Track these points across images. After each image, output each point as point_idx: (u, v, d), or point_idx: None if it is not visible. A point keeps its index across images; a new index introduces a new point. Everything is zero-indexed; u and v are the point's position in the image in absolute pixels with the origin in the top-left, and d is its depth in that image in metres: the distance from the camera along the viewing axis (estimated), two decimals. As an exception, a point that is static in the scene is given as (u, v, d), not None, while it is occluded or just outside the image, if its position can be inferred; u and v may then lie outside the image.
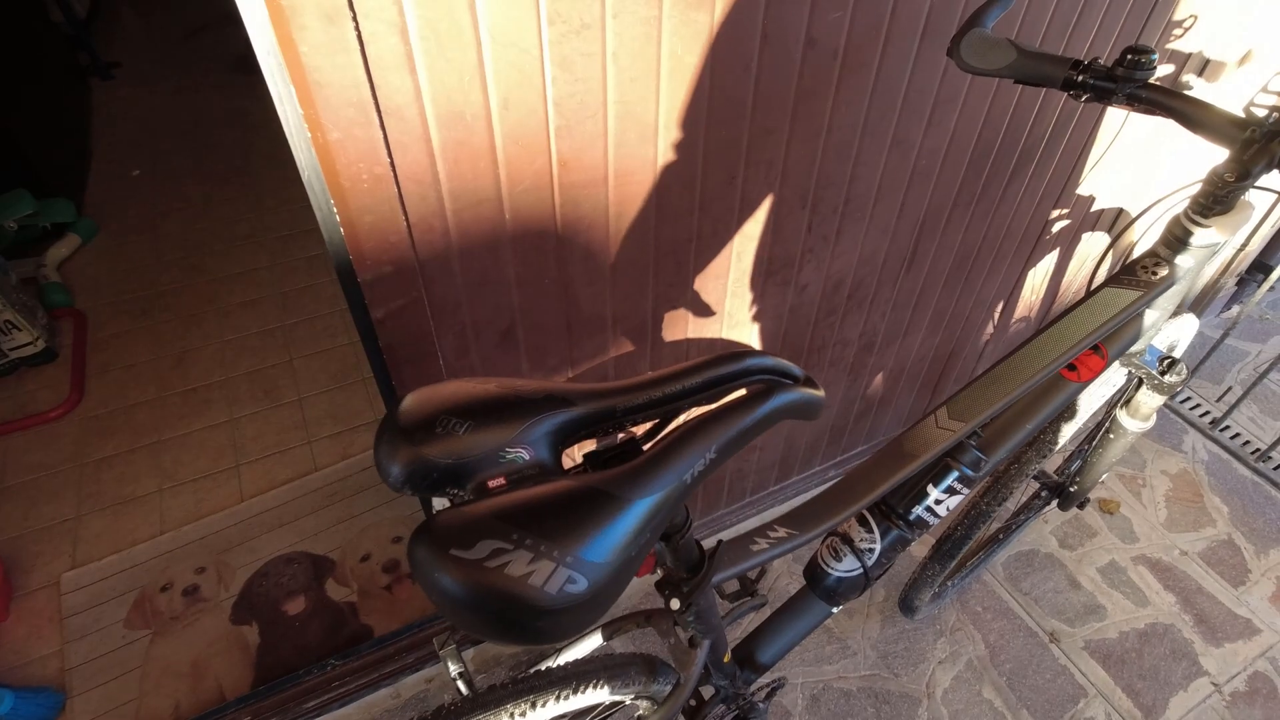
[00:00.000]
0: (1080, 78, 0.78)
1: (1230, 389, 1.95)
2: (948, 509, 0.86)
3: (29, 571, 1.51)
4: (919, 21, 0.94)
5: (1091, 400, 1.01)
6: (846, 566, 0.90)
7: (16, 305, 1.89)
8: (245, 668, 1.35)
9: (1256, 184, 0.72)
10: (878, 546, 0.88)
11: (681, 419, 0.45)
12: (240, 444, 1.76)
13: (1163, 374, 0.92)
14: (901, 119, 1.04)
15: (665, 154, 0.88)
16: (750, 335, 1.20)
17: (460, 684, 0.72)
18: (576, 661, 0.71)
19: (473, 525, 0.34)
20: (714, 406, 0.44)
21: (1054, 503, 1.31)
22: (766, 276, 1.13)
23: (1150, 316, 0.85)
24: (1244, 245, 1.70)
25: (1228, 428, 1.87)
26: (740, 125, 0.91)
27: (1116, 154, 1.38)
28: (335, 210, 0.73)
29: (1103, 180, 1.42)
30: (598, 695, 0.71)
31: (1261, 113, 0.72)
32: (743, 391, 0.45)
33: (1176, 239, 0.77)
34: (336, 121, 0.68)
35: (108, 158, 2.80)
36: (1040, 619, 1.50)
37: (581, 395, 0.43)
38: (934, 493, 0.85)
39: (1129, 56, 0.75)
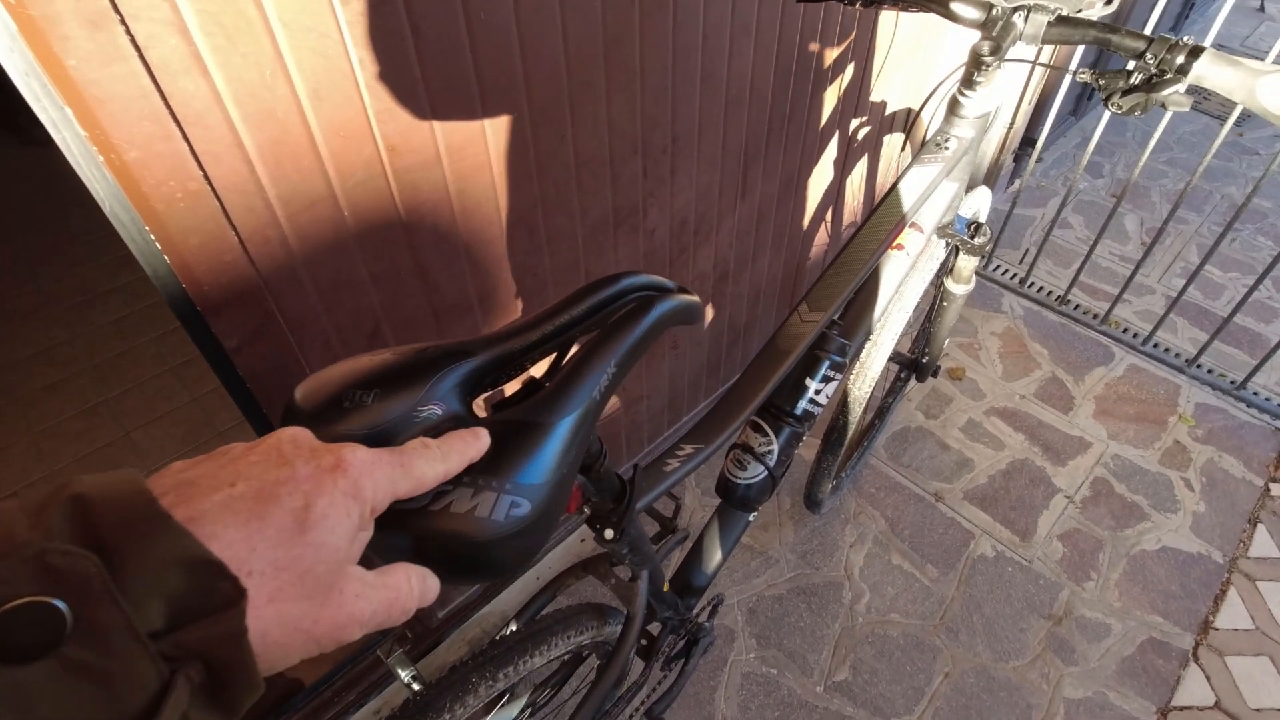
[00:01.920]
0: None
1: (1027, 250, 2.24)
2: (827, 397, 0.94)
3: None
4: None
5: (923, 276, 1.13)
6: (752, 473, 0.96)
7: None
8: None
9: (1008, 56, 0.84)
10: (775, 447, 0.95)
11: (575, 348, 0.47)
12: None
13: (972, 238, 1.05)
14: (705, 53, 1.09)
15: (493, 124, 0.88)
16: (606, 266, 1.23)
17: (415, 685, 0.71)
18: (528, 624, 0.72)
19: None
20: (605, 329, 0.46)
21: (912, 378, 1.46)
22: (615, 227, 1.16)
23: (950, 188, 0.97)
24: (1011, 124, 1.95)
25: (1033, 284, 2.15)
26: (558, 83, 0.92)
27: (896, 57, 1.53)
28: (153, 237, 0.67)
29: (890, 84, 1.57)
30: (556, 650, 0.72)
31: (1000, -7, 0.83)
32: (627, 310, 0.47)
33: (956, 115, 0.88)
34: (131, 139, 0.62)
35: None
36: (924, 484, 1.67)
37: (478, 344, 0.44)
38: (812, 384, 0.92)
39: (886, -41, 0.83)
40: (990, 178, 2.09)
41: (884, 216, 0.85)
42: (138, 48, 0.59)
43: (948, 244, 1.11)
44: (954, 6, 0.84)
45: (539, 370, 0.50)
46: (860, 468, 1.68)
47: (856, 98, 1.50)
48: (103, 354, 2.00)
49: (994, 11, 0.81)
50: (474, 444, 0.37)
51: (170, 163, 0.65)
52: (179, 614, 0.23)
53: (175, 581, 0.23)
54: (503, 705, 0.77)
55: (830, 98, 1.43)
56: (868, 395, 1.18)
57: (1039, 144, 1.94)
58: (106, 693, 0.21)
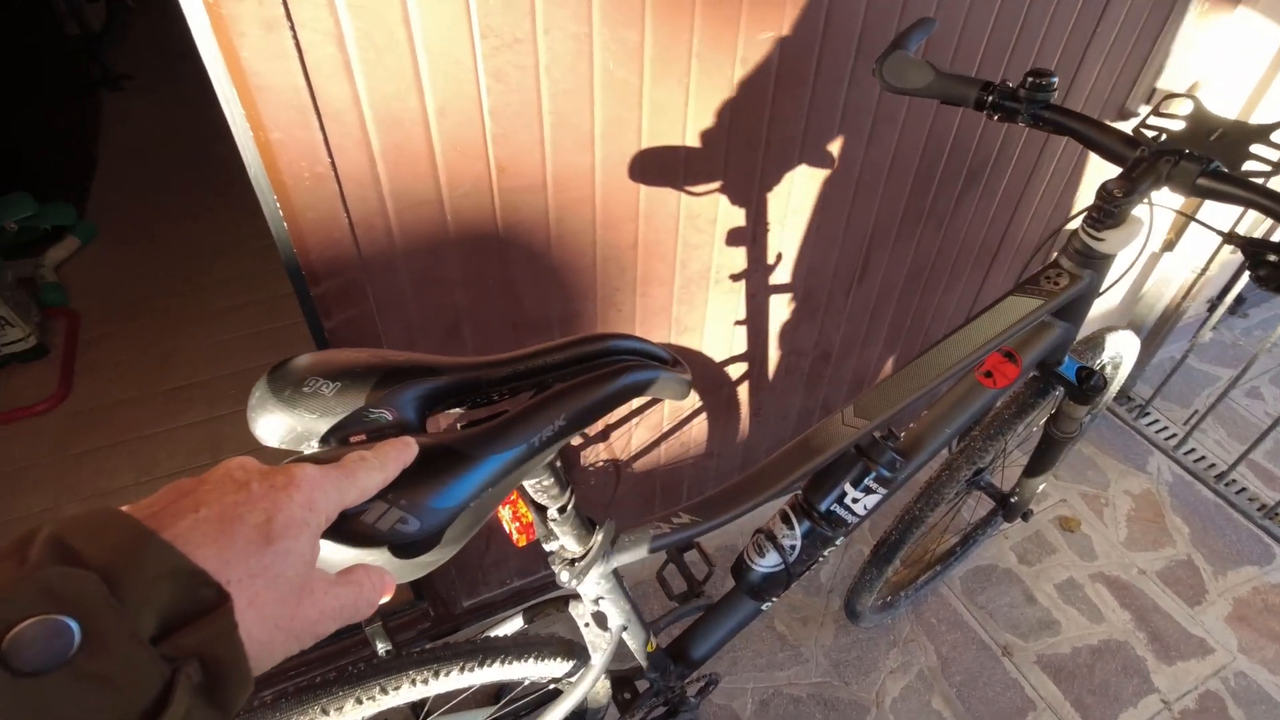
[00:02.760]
0: (989, 98, 0.82)
1: (1196, 411, 1.97)
2: (865, 508, 0.89)
3: (5, 559, 1.55)
4: (851, 43, 0.99)
5: (1021, 412, 1.04)
6: (769, 562, 0.92)
7: (11, 302, 1.95)
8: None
9: (1147, 200, 0.76)
10: (798, 542, 0.91)
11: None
12: (217, 442, 1.80)
13: (1081, 384, 0.95)
14: (841, 135, 1.08)
15: (603, 163, 0.93)
16: (699, 340, 1.24)
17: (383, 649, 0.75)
18: (487, 638, 0.74)
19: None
20: (571, 382, 0.48)
21: (1001, 515, 1.34)
22: (713, 285, 1.17)
23: (1061, 327, 0.89)
24: (1204, 269, 1.73)
25: (1192, 450, 1.89)
26: (677, 136, 0.95)
27: (1067, 173, 1.42)
28: (279, 206, 0.78)
29: (1057, 197, 1.46)
30: (508, 671, 0.74)
31: (1150, 134, 0.76)
32: (600, 371, 0.49)
33: (1075, 251, 0.81)
34: (277, 122, 0.73)
35: (111, 165, 2.89)
36: (994, 632, 1.51)
37: (449, 366, 0.47)
38: (850, 490, 0.88)
39: (1030, 79, 0.79)
40: (1165, 324, 1.87)
41: (963, 339, 0.80)
42: (299, 50, 0.70)
43: (1052, 385, 1.01)
44: (1098, 137, 0.78)
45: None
46: (926, 592, 1.55)
47: (1015, 206, 1.41)
48: (280, 289, 2.28)
49: (1139, 152, 0.75)
50: (405, 451, 0.40)
51: (305, 147, 0.75)
52: (172, 620, 0.26)
53: (165, 592, 0.26)
54: None
55: (981, 200, 1.35)
56: (930, 520, 1.10)
57: (1223, 305, 1.71)
58: (116, 695, 0.23)
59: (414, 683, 0.66)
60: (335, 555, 0.36)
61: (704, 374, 1.30)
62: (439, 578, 1.32)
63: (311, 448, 0.43)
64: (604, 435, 1.29)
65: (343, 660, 1.32)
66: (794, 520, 0.91)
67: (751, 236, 1.14)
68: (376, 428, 0.44)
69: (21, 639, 0.22)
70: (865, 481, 0.88)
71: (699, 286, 1.16)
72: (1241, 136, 0.71)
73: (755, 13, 0.89)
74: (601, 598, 0.75)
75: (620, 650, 0.92)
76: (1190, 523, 1.73)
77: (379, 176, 0.81)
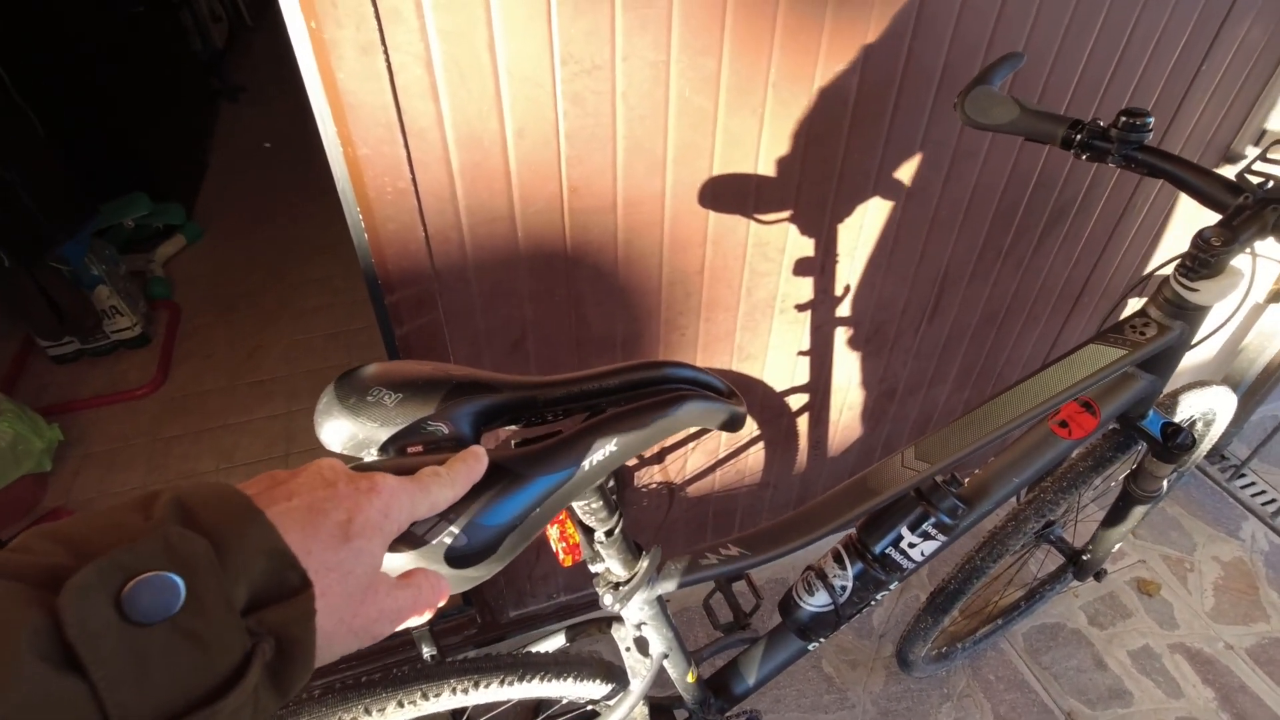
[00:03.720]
0: (1077, 136, 0.79)
1: (1302, 478, 1.81)
2: (922, 554, 0.86)
3: (96, 530, 1.66)
4: (933, 78, 0.97)
5: (1097, 466, 0.98)
6: (819, 601, 0.90)
7: (122, 294, 2.11)
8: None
9: (1250, 249, 0.72)
10: (850, 584, 0.88)
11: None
12: (293, 434, 1.89)
13: (1167, 441, 0.89)
14: (918, 169, 1.06)
15: (674, 188, 0.94)
16: (762, 369, 1.23)
17: (429, 654, 0.77)
18: (529, 653, 0.75)
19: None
20: (625, 407, 0.48)
21: (1072, 572, 1.26)
22: (778, 313, 1.16)
23: (1146, 379, 0.84)
24: (1318, 325, 1.60)
25: (1296, 519, 1.74)
26: (749, 164, 0.96)
27: (1160, 217, 1.35)
28: (361, 217, 0.82)
29: (1148, 242, 1.39)
30: (546, 688, 0.74)
31: (1256, 180, 0.72)
32: (655, 398, 0.49)
33: (1166, 300, 0.76)
34: (366, 139, 0.77)
35: (221, 169, 3.10)
36: (1058, 696, 1.42)
37: (506, 384, 0.48)
38: (907, 535, 0.85)
39: (1124, 119, 0.76)
40: (1266, 380, 1.73)
41: (1035, 386, 0.76)
42: (390, 73, 0.73)
43: (1134, 440, 0.95)
44: (1197, 182, 0.74)
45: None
46: (985, 646, 1.47)
47: (1101, 250, 1.35)
48: (362, 294, 2.39)
49: (1244, 198, 0.70)
50: (476, 466, 0.41)
51: (389, 163, 0.79)
52: (260, 596, 0.27)
53: (260, 568, 0.27)
54: None
55: (1065, 242, 1.30)
56: (993, 571, 1.05)
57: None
58: (205, 656, 0.24)
59: (454, 691, 0.67)
60: (388, 562, 0.38)
61: (763, 402, 1.28)
62: (488, 586, 1.34)
63: (371, 455, 0.45)
64: (659, 458, 1.29)
65: (388, 660, 1.35)
66: (846, 560, 0.89)
67: (820, 267, 1.12)
68: (433, 440, 0.45)
69: (138, 590, 0.23)
70: (923, 527, 0.85)
71: (764, 314, 1.15)
72: (1358, 186, 0.66)
73: (835, 44, 0.89)
74: (644, 623, 0.74)
75: (660, 678, 0.91)
76: (1289, 599, 1.59)
77: (456, 193, 0.84)
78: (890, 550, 0.86)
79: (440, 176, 0.82)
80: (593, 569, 0.66)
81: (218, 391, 2.03)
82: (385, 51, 0.72)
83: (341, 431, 0.44)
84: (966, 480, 0.90)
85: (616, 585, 0.64)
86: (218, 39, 3.80)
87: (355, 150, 0.77)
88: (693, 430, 1.27)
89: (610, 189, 0.91)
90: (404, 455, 0.44)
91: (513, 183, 0.86)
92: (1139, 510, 1.04)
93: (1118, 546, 1.16)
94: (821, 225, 1.07)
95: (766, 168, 0.97)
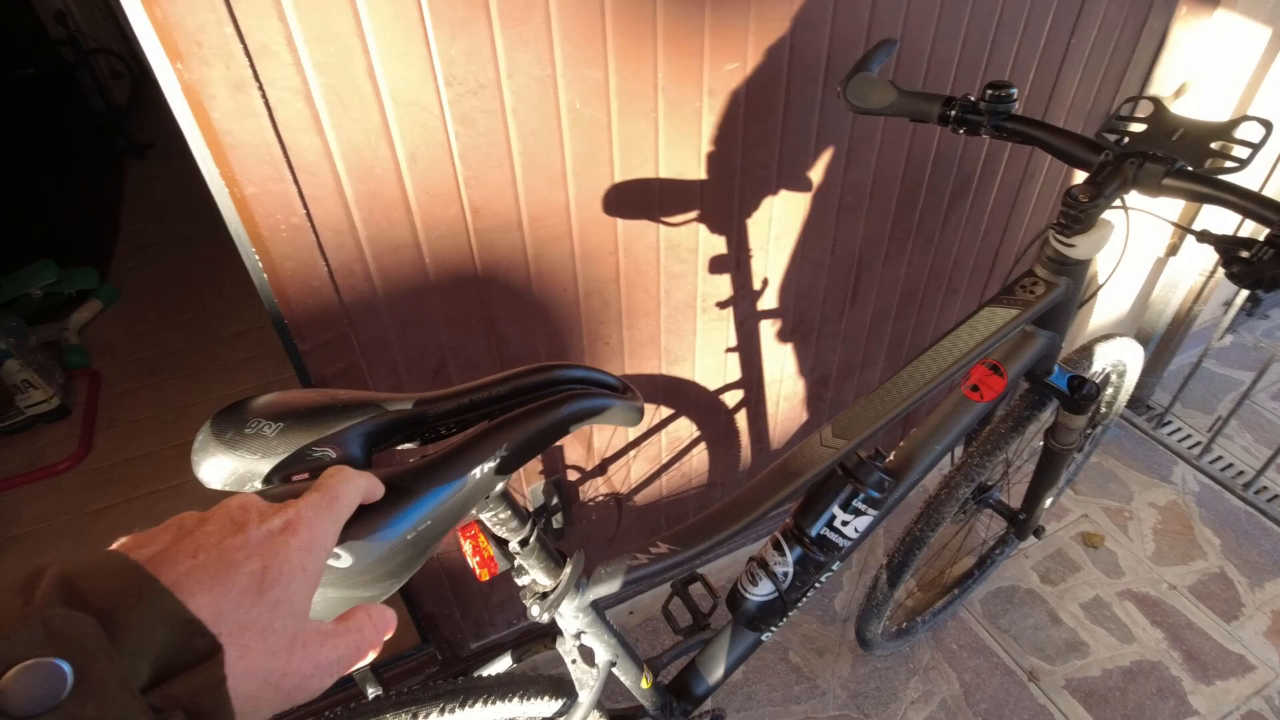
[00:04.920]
0: (951, 112, 0.83)
1: (1219, 418, 1.91)
2: (856, 530, 0.87)
3: (24, 618, 1.57)
4: (818, 70, 1.00)
5: (1016, 426, 1.01)
6: (763, 590, 0.91)
7: (35, 366, 2.01)
8: None
9: (1121, 203, 0.76)
10: (790, 569, 0.89)
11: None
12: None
13: (1073, 394, 0.93)
14: (817, 158, 1.09)
15: (577, 198, 0.95)
16: (692, 370, 1.24)
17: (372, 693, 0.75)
18: (471, 677, 0.73)
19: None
20: (512, 413, 0.48)
21: (1014, 532, 1.30)
22: (700, 313, 1.17)
23: (1045, 336, 0.87)
24: (1213, 271, 1.69)
25: (1219, 458, 1.83)
26: (650, 169, 0.97)
27: (1056, 183, 1.42)
28: (258, 257, 0.80)
29: (1050, 208, 1.45)
30: (493, 712, 0.73)
31: (1114, 138, 0.76)
32: (542, 400, 0.49)
33: (1048, 258, 0.80)
34: (251, 178, 0.75)
35: (135, 229, 3.00)
36: (1019, 656, 1.46)
37: (393, 401, 0.48)
38: (839, 513, 0.86)
39: (989, 91, 0.80)
40: (1177, 329, 1.82)
41: (940, 352, 0.79)
42: (269, 108, 0.72)
43: (1045, 396, 0.99)
44: (1061, 145, 0.78)
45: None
46: (945, 617, 1.50)
47: (1006, 221, 1.41)
48: (291, 339, 2.33)
49: (1104, 156, 0.74)
50: (341, 484, 0.39)
51: (280, 200, 0.78)
52: (164, 669, 0.25)
53: (161, 640, 0.25)
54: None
55: (971, 215, 1.35)
56: (934, 539, 1.07)
57: (1237, 301, 1.67)
58: None
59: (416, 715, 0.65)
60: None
61: (698, 403, 1.29)
62: (444, 621, 1.31)
63: (255, 488, 0.44)
64: (602, 469, 1.29)
65: (328, 699, 1.31)
66: (785, 547, 0.90)
67: (735, 263, 1.14)
68: (320, 465, 0.44)
69: (17, 680, 0.22)
70: (854, 503, 0.86)
71: (685, 316, 1.16)
72: (1203, 135, 0.70)
73: (717, 45, 0.91)
74: (583, 632, 0.74)
75: (616, 688, 0.91)
76: (1221, 534, 1.67)
77: (355, 224, 0.83)
78: (825, 531, 0.87)
79: (335, 209, 0.81)
80: (518, 581, 0.65)
81: (146, 457, 1.95)
82: (260, 88, 0.71)
83: (221, 468, 0.43)
84: (892, 454, 0.92)
85: (543, 595, 0.63)
86: (120, 96, 3.70)
87: (242, 190, 0.75)
88: (634, 436, 1.27)
89: (513, 206, 0.91)
90: (289, 484, 0.43)
91: (412, 209, 0.85)
92: (1061, 463, 1.07)
93: (1050, 502, 1.20)
94: (730, 222, 1.09)
95: (668, 170, 0.98)
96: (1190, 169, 0.70)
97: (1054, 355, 0.92)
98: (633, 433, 1.27)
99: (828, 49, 0.99)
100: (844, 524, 0.87)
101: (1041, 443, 1.14)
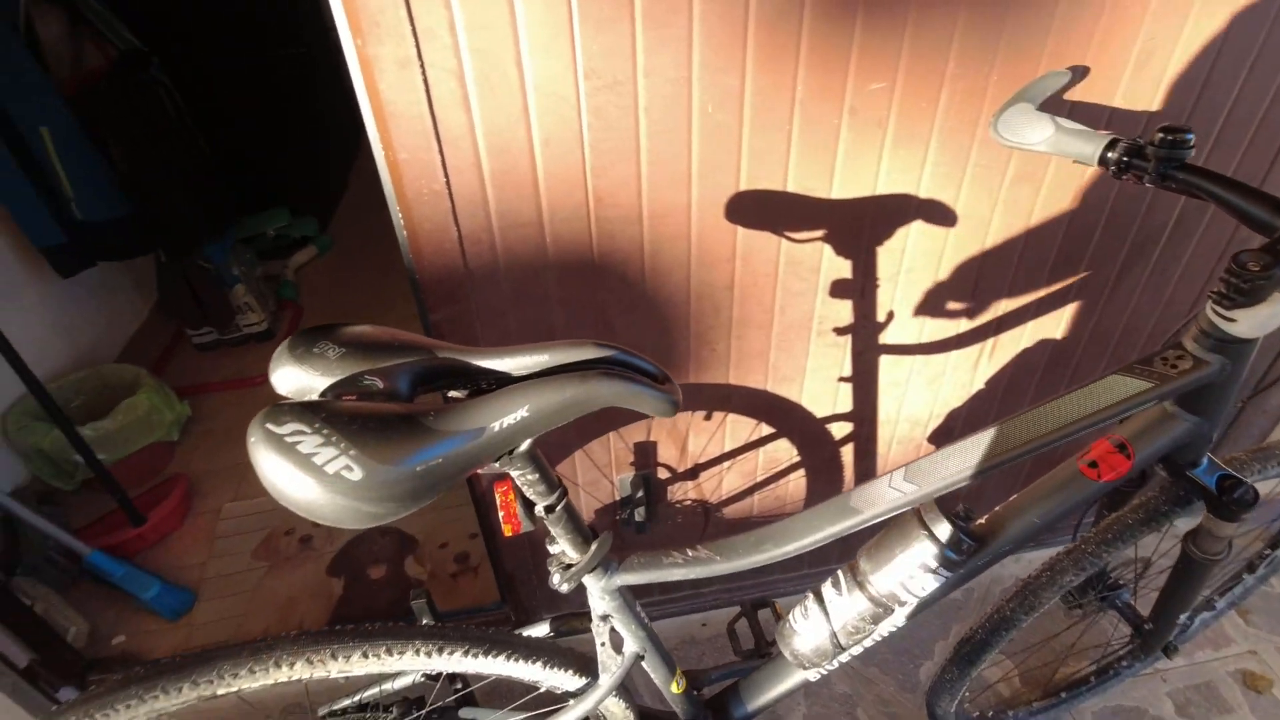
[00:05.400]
0: (1112, 154, 0.75)
1: None
2: (924, 589, 0.81)
3: (205, 496, 1.87)
4: (981, 98, 0.94)
5: (1144, 519, 0.89)
6: (813, 626, 0.87)
7: (255, 294, 2.38)
8: (324, 612, 1.55)
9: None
10: (847, 610, 0.84)
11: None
12: (378, 429, 2.04)
13: (1223, 495, 0.79)
14: (965, 194, 1.02)
15: (699, 202, 0.96)
16: (799, 392, 1.20)
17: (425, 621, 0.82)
18: (501, 631, 0.77)
19: (291, 411, 0.45)
20: (540, 379, 0.51)
21: (1139, 644, 1.13)
22: (815, 335, 1.14)
23: (1189, 421, 0.75)
24: None
25: None
26: (777, 181, 0.96)
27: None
28: (402, 216, 0.90)
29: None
30: (513, 668, 0.77)
31: (1311, 201, 0.64)
32: (574, 373, 0.51)
33: (1201, 331, 0.69)
34: (404, 144, 0.85)
35: (357, 193, 3.44)
36: (1130, 791, 1.26)
37: (446, 351, 0.53)
38: (907, 566, 0.80)
39: (1163, 135, 0.71)
40: None
41: (1043, 415, 0.71)
42: (426, 85, 0.82)
43: (1189, 493, 0.85)
44: (1241, 202, 0.67)
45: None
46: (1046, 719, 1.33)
47: (1190, 290, 1.22)
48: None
49: (1291, 221, 0.63)
50: None
51: (426, 168, 0.87)
52: None
53: None
54: None
55: (1146, 280, 1.19)
56: (1021, 621, 0.96)
57: None
58: None
59: (419, 653, 0.71)
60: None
61: (802, 428, 1.26)
62: (523, 586, 1.38)
63: (313, 398, 0.50)
64: (693, 474, 1.29)
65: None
66: (844, 586, 0.85)
67: (859, 290, 1.10)
68: (368, 392, 0.50)
69: None
70: (925, 559, 0.80)
71: (799, 335, 1.13)
72: None
73: (864, 64, 0.88)
74: (611, 616, 0.75)
75: (650, 688, 0.91)
76: None
77: (488, 197, 0.91)
78: (890, 581, 0.82)
79: (472, 181, 0.89)
80: (550, 549, 0.68)
81: (322, 385, 2.23)
82: (422, 66, 0.80)
83: (287, 377, 0.50)
84: (984, 517, 0.84)
85: (567, 567, 0.66)
86: (369, 76, 4.24)
87: (395, 154, 0.85)
88: (730, 446, 1.26)
89: (635, 200, 0.95)
90: (339, 400, 0.49)
91: (540, 190, 0.92)
92: (1202, 575, 0.92)
93: (1199, 621, 1.03)
94: (859, 247, 1.05)
95: (796, 185, 0.97)
96: (1402, 249, 0.57)
97: (1201, 445, 0.79)
98: (729, 443, 1.26)
99: (991, 77, 0.92)
100: (911, 578, 0.81)
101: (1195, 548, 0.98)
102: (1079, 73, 0.93)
